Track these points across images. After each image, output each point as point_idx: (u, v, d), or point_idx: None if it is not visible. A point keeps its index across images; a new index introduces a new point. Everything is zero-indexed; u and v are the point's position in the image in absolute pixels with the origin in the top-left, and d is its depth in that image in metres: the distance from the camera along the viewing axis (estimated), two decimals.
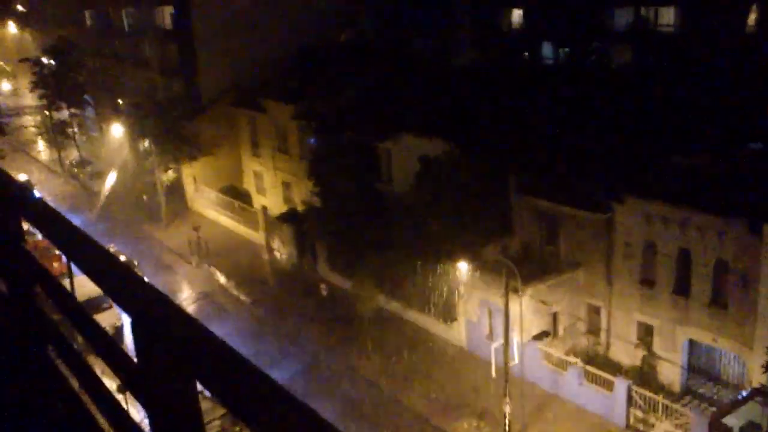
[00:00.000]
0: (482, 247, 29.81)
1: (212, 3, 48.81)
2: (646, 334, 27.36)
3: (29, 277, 4.19)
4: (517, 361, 25.44)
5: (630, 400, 25.20)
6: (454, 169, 30.92)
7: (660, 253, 25.86)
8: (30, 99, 69.68)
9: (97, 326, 3.17)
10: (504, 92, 34.82)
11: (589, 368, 26.70)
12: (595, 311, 28.90)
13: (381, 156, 37.37)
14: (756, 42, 37.49)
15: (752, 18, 38.51)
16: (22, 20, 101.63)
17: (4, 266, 4.44)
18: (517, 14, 50.65)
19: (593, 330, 29.19)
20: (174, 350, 2.30)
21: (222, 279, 39.90)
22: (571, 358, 27.34)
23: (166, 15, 53.22)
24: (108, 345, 3.04)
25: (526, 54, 49.22)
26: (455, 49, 54.51)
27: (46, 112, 61.67)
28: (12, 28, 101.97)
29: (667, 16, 42.06)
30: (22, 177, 54.41)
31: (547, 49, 48.63)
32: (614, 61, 42.21)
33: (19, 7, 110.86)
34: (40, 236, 43.13)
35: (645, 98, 31.55)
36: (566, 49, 46.88)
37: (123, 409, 3.23)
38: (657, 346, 27.01)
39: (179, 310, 2.38)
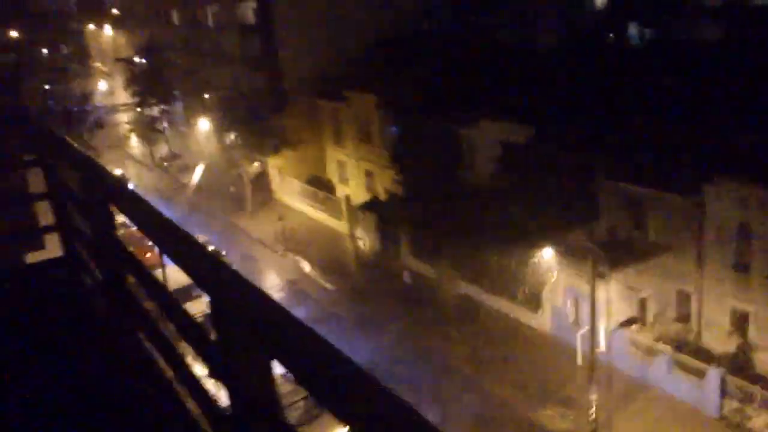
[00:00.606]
0: (568, 232, 29.27)
1: None
2: (740, 320, 26.27)
3: (122, 266, 4.39)
4: (603, 348, 24.91)
5: (723, 389, 24.29)
6: (537, 155, 30.47)
7: (755, 236, 24.73)
8: (124, 97, 72.75)
9: (185, 313, 3.29)
10: (589, 75, 33.99)
11: (680, 356, 25.88)
12: (685, 297, 27.92)
13: (462, 142, 37.15)
14: None
15: None
16: (116, 22, 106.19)
17: (99, 255, 4.66)
18: None
19: (683, 317, 28.21)
20: (251, 330, 2.32)
21: (307, 267, 40.64)
22: (661, 345, 26.55)
23: (248, 10, 54.43)
24: (195, 331, 3.15)
25: (611, 35, 47.83)
26: (538, 34, 53.54)
27: (138, 109, 64.26)
28: (108, 30, 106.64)
29: None
30: (117, 171, 57.01)
31: (633, 30, 47.12)
32: (704, 39, 40.46)
33: (114, 11, 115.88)
34: (134, 228, 45.35)
35: (736, 75, 30.14)
36: (651, 29, 45.29)
37: (209, 393, 3.35)
38: (753, 334, 25.89)
39: (258, 291, 2.41)
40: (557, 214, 29.10)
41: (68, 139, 5.42)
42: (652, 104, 29.55)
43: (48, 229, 6.44)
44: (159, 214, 3.52)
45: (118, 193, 4.17)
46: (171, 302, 3.43)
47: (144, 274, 3.88)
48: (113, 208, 4.24)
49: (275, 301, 2.30)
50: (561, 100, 32.29)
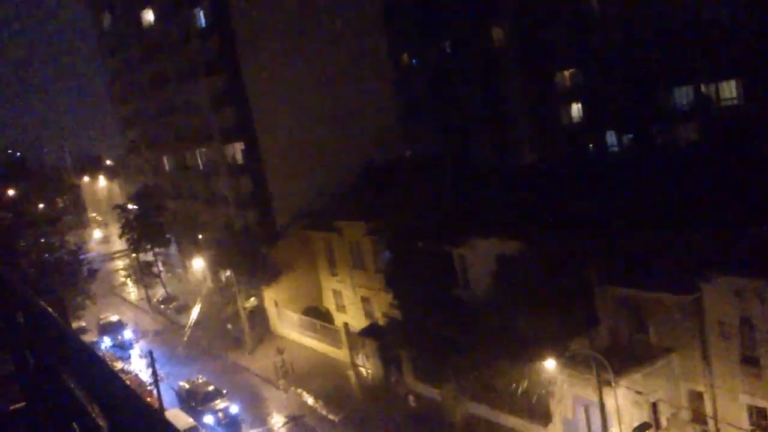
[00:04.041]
0: (569, 341, 28.86)
1: (278, 136, 51.38)
2: (758, 417, 25.48)
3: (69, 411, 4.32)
4: None
5: None
6: (531, 266, 30.56)
7: (758, 328, 24.45)
8: (119, 244, 73.60)
9: None
10: (574, 184, 34.73)
11: None
12: (697, 397, 27.21)
13: (456, 261, 37.33)
14: None
15: None
16: (110, 173, 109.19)
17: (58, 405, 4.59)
18: (576, 108, 51.20)
19: (699, 418, 27.38)
20: None
21: (310, 400, 39.67)
22: None
23: (237, 151, 56.12)
24: None
25: (591, 145, 49.34)
26: (519, 150, 55.26)
27: (134, 255, 64.84)
28: (102, 181, 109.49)
29: (729, 90, 41.74)
30: (114, 317, 56.71)
31: (610, 138, 48.66)
32: (680, 140, 41.81)
33: (108, 161, 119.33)
34: (137, 373, 44.24)
35: (718, 173, 30.85)
36: (629, 135, 46.81)
37: None
38: None
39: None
40: (558, 324, 28.80)
41: (29, 291, 5.55)
42: (640, 206, 30.02)
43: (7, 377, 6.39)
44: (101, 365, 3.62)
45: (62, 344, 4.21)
46: None
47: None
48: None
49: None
50: (550, 211, 32.78)
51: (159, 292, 64.51)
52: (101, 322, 55.66)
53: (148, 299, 63.81)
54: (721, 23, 40.81)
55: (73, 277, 51.04)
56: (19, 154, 79.08)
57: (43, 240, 57.25)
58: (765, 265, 23.90)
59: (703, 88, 42.68)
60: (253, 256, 48.49)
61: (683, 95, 43.93)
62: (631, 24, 45.16)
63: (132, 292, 70.47)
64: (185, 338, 52.18)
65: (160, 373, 37.16)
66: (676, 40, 42.60)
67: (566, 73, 51.11)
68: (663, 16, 43.22)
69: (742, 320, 25.09)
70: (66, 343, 4.38)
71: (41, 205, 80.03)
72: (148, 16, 66.74)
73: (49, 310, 5.16)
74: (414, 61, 66.18)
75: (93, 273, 55.43)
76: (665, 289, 26.83)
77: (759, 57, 39.22)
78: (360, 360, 42.06)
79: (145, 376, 41.64)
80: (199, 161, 63.61)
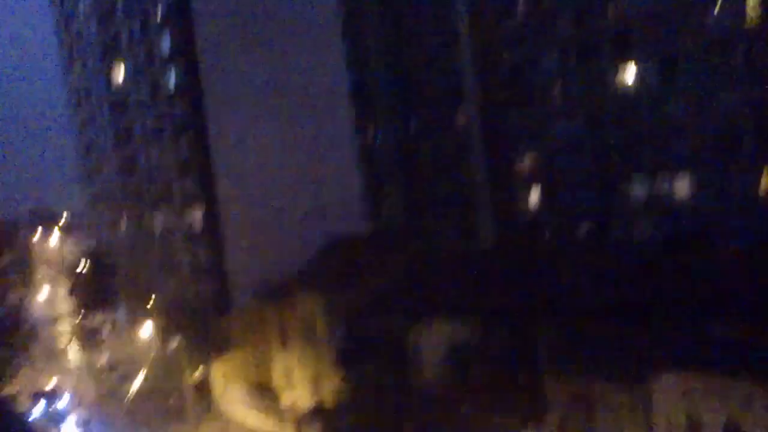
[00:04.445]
0: (519, 430, 28.35)
1: (240, 204, 51.00)
2: None
3: None
4: None
5: None
6: (484, 352, 30.25)
7: (705, 428, 24.16)
8: (66, 305, 71.42)
9: None
10: (528, 270, 34.77)
11: None
12: None
13: (410, 344, 36.71)
14: None
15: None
16: (65, 229, 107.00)
17: None
18: (535, 194, 51.85)
19: None
20: None
21: None
22: None
23: (196, 218, 55.41)
24: None
25: (547, 233, 49.77)
26: (479, 232, 55.62)
27: (80, 318, 62.87)
28: (56, 236, 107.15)
29: (683, 186, 42.62)
30: (50, 385, 54.30)
31: (568, 225, 49.15)
32: (637, 233, 42.44)
33: (64, 217, 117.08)
34: None
35: (672, 269, 31.16)
36: (588, 225, 47.37)
37: None
38: None
39: None
40: (506, 411, 28.36)
41: None
42: (592, 298, 30.05)
43: None
44: None
45: None
46: None
47: None
48: None
49: None
50: (505, 298, 32.66)
51: (102, 359, 62.25)
52: (36, 391, 52.96)
53: (90, 366, 61.51)
54: (678, 118, 42.11)
55: (12, 338, 49.03)
56: None
57: None
58: (714, 365, 23.86)
59: (660, 180, 43.57)
60: (204, 326, 47.28)
61: (641, 188, 44.78)
62: (591, 114, 46.41)
63: (74, 357, 67.94)
64: (126, 409, 50.19)
65: None
66: (635, 131, 43.88)
67: (527, 158, 51.93)
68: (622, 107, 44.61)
69: (688, 419, 24.84)
70: None
71: None
72: (118, 72, 66.52)
73: None
74: (378, 138, 66.88)
75: (34, 334, 53.41)
76: (614, 383, 26.62)
77: (712, 153, 40.43)
78: None
79: None
80: (157, 224, 62.61)
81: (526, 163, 52.10)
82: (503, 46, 52.21)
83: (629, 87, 44.74)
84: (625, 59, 44.32)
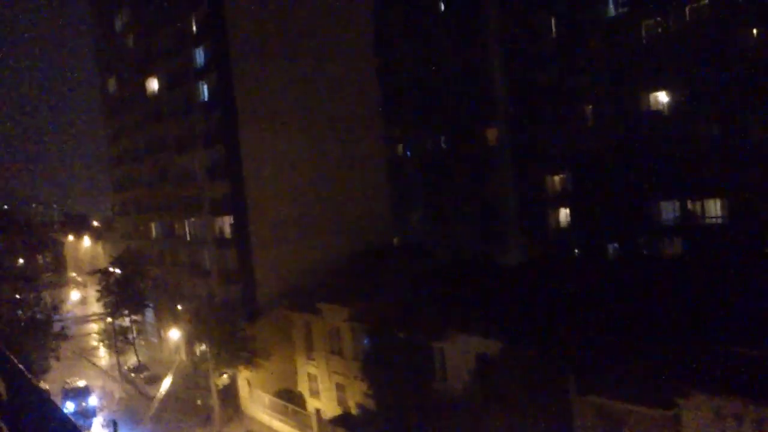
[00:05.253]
0: None
1: (269, 213, 51.67)
2: None
3: None
4: None
5: None
6: (510, 368, 30.34)
7: None
8: (96, 307, 72.51)
9: None
10: (558, 289, 34.89)
11: None
12: None
13: (435, 355, 36.98)
14: None
15: None
16: (96, 234, 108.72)
17: None
18: (564, 212, 51.93)
19: None
20: None
21: None
22: None
23: (226, 224, 56.20)
24: None
25: (576, 251, 49.77)
26: (507, 248, 55.73)
27: (110, 319, 63.84)
28: (86, 241, 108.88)
29: (714, 208, 42.56)
30: (80, 383, 55.29)
31: (597, 245, 49.11)
32: (666, 253, 42.32)
33: (95, 222, 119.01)
34: None
35: (701, 288, 31.17)
36: (615, 245, 47.34)
37: None
38: None
39: None
40: (532, 428, 28.39)
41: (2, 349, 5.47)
42: (622, 316, 30.12)
43: None
44: None
45: (42, 411, 4.19)
46: None
47: None
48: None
49: None
50: (533, 313, 32.81)
51: (131, 360, 63.24)
52: (66, 387, 54.14)
53: (119, 366, 62.45)
54: (708, 141, 42.05)
55: (44, 337, 50.05)
56: (6, 207, 78.63)
57: (18, 296, 56.44)
58: (745, 385, 23.86)
59: (689, 204, 43.52)
60: (231, 331, 47.84)
61: (670, 209, 44.74)
62: (621, 136, 46.40)
63: (103, 357, 69.04)
64: (153, 410, 50.86)
65: None
66: (665, 154, 43.79)
67: (556, 177, 52.12)
68: (653, 131, 44.54)
69: None
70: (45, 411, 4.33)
71: (21, 261, 79.29)
72: (153, 85, 68.05)
73: (28, 376, 5.10)
74: (408, 152, 67.47)
75: (64, 334, 54.40)
76: (643, 403, 26.61)
77: (742, 177, 40.29)
78: None
79: None
80: (187, 231, 63.56)
81: (556, 180, 52.27)
82: (535, 64, 52.44)
83: (660, 108, 44.83)
84: (656, 81, 44.43)
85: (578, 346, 29.65)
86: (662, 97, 44.72)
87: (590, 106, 48.99)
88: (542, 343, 30.34)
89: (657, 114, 44.76)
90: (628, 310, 30.48)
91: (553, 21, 51.29)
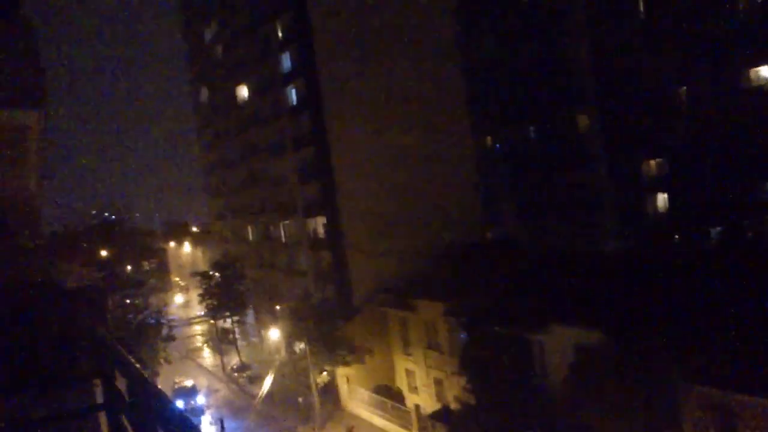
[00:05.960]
0: None
1: (360, 212, 52.26)
2: None
3: None
4: None
5: None
6: (611, 359, 29.58)
7: None
8: (198, 309, 75.32)
9: None
10: (659, 276, 33.76)
11: None
12: None
13: (534, 349, 36.49)
14: None
15: None
16: (195, 239, 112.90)
17: None
18: (662, 198, 50.19)
19: None
20: None
21: None
22: None
23: (319, 225, 57.23)
24: None
25: (676, 237, 48.01)
26: (601, 237, 54.35)
27: (212, 321, 66.17)
28: (187, 246, 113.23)
29: None
30: (188, 382, 57.57)
31: (698, 229, 47.23)
32: None
33: (194, 228, 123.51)
34: None
35: None
36: (718, 228, 45.37)
37: None
38: None
39: None
40: (635, 423, 27.57)
41: (124, 353, 5.68)
42: (731, 303, 28.85)
43: None
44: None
45: (162, 410, 4.25)
46: None
47: None
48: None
49: None
50: (633, 303, 31.88)
51: (233, 360, 65.33)
52: (176, 386, 56.53)
53: (223, 366, 64.64)
54: None
55: (155, 338, 52.35)
56: (114, 217, 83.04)
57: (128, 301, 59.23)
58: None
59: None
60: (328, 330, 48.69)
61: None
62: (719, 116, 44.42)
63: (207, 358, 71.63)
64: (256, 408, 52.37)
65: None
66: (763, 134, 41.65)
67: (652, 162, 50.39)
68: (754, 108, 42.43)
69: None
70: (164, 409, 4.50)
71: (129, 267, 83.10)
72: (243, 92, 70.04)
73: (147, 377, 5.33)
74: (497, 145, 66.72)
75: (172, 336, 56.74)
76: (758, 392, 25.39)
77: None
78: None
79: None
80: (282, 233, 65.10)
81: (652, 165, 50.57)
82: (624, 48, 50.88)
83: (758, 87, 42.67)
84: (753, 59, 42.30)
85: (683, 334, 28.61)
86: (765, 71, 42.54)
87: (684, 87, 47.13)
88: (645, 332, 29.43)
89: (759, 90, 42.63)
90: (735, 297, 29.15)
91: (641, 1, 49.64)
